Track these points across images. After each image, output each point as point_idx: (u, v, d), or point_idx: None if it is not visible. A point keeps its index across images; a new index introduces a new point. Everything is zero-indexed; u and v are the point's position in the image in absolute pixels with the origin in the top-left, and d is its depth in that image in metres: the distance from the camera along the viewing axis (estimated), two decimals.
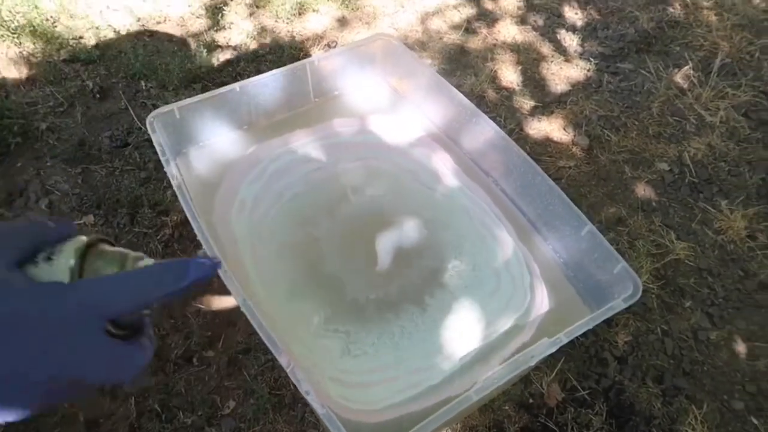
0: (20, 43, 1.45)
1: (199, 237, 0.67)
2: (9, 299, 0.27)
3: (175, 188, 0.72)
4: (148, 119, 0.81)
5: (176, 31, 1.54)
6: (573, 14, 1.68)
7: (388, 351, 0.71)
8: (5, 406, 0.27)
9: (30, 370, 0.27)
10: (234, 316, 1.03)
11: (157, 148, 0.77)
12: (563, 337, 0.62)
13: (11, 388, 0.27)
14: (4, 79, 1.38)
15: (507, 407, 0.95)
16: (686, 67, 1.51)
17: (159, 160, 0.80)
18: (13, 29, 1.46)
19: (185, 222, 1.14)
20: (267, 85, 0.90)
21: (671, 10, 1.69)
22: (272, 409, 0.93)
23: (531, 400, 0.97)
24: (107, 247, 0.31)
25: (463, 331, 0.73)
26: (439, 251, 0.80)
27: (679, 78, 1.50)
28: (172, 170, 0.75)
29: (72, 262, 0.29)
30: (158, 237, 1.13)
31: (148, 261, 0.32)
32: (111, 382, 0.30)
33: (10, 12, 1.49)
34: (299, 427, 0.92)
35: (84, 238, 0.31)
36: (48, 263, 0.29)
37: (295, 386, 0.57)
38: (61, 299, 0.28)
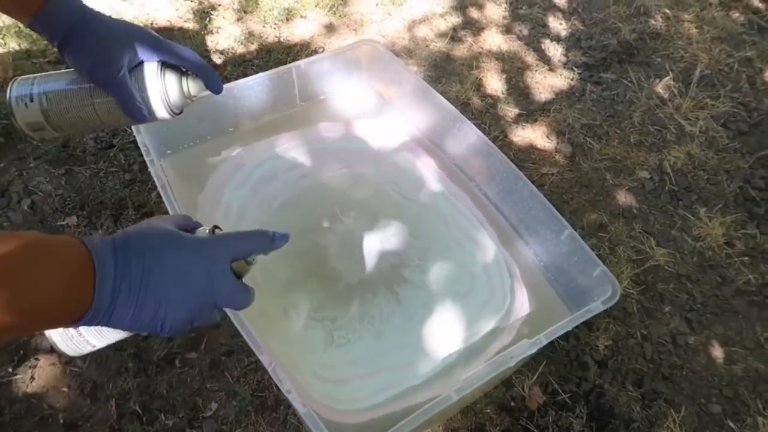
0: (5, 43, 1.44)
1: None
2: (184, 240, 0.43)
3: (159, 189, 0.73)
4: None
5: (163, 35, 1.54)
6: (557, 24, 1.71)
7: (370, 339, 0.72)
8: (174, 315, 0.41)
9: (191, 284, 0.41)
10: None
11: (142, 149, 0.77)
12: (543, 338, 0.63)
13: (182, 298, 0.41)
14: None
15: (488, 410, 0.96)
16: (667, 78, 1.54)
17: (144, 162, 0.80)
18: None
19: None
20: (253, 88, 0.91)
21: (653, 22, 1.72)
22: (254, 412, 0.93)
23: (512, 403, 0.98)
24: (219, 230, 0.49)
25: (443, 329, 0.74)
26: (410, 253, 0.81)
27: (660, 88, 1.53)
28: (156, 171, 0.75)
29: (206, 233, 0.48)
30: None
31: None
32: (231, 306, 0.45)
33: None
34: (281, 429, 0.92)
35: (206, 227, 0.49)
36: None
37: (277, 388, 0.58)
38: (208, 240, 0.45)
